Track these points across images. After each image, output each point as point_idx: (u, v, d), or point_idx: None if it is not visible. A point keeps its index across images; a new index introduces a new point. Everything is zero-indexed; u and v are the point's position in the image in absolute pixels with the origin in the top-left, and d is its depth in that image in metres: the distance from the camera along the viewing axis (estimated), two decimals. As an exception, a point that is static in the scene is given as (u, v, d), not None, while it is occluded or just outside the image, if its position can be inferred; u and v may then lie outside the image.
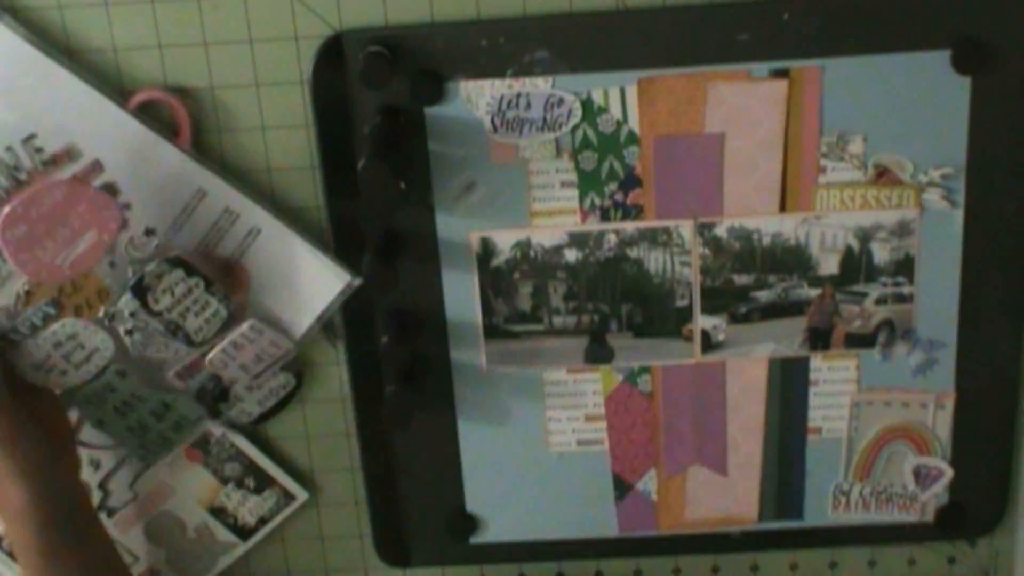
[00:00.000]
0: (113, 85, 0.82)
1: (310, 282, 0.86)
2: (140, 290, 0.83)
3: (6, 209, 0.79)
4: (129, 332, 0.84)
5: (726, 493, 0.94)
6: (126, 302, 0.83)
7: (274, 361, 0.88)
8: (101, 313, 0.84)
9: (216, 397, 0.89)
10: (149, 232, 0.83)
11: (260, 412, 0.90)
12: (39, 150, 0.80)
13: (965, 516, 0.94)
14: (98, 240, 0.81)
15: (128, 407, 0.89)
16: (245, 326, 0.86)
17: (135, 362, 0.87)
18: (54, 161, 0.81)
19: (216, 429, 0.91)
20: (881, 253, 0.87)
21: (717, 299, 0.88)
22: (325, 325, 0.88)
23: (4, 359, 0.84)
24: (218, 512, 0.95)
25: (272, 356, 0.88)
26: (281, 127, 0.85)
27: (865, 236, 0.86)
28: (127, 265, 0.83)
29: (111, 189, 0.82)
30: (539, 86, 0.83)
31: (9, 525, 0.83)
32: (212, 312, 0.84)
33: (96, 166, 0.81)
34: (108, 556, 0.86)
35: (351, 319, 0.88)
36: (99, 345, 0.85)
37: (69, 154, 0.81)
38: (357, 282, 0.86)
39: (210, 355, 0.86)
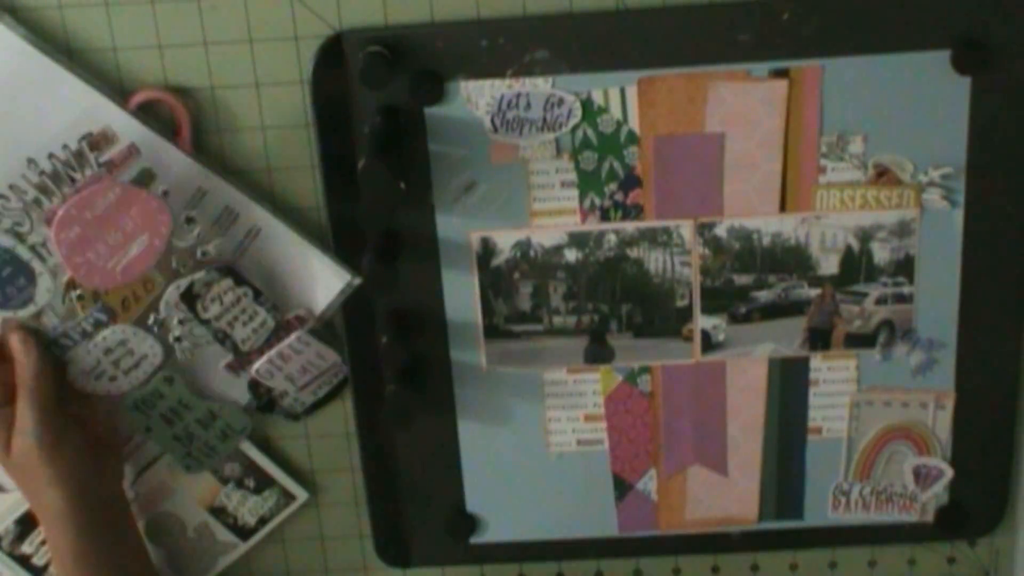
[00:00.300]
0: (113, 85, 0.82)
1: (310, 281, 0.86)
2: (190, 297, 0.83)
3: (60, 211, 0.79)
4: (178, 339, 0.85)
5: (726, 493, 0.94)
6: (175, 308, 0.84)
7: (320, 373, 0.88)
8: (151, 320, 0.84)
9: (267, 403, 0.89)
10: (190, 220, 0.83)
11: (314, 401, 0.91)
12: (96, 147, 0.80)
13: (965, 516, 0.94)
14: (149, 245, 0.81)
15: (175, 415, 0.89)
16: (292, 337, 0.86)
17: (183, 369, 0.87)
18: (93, 146, 0.81)
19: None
20: (881, 253, 0.87)
21: (717, 299, 0.88)
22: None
23: (56, 365, 0.84)
24: (218, 512, 0.95)
25: (319, 368, 0.88)
26: (281, 127, 0.85)
27: (865, 236, 0.86)
28: (171, 255, 0.83)
29: (148, 175, 0.81)
30: (539, 86, 0.83)
31: (46, 527, 0.85)
32: (260, 322, 0.85)
33: (132, 150, 0.81)
34: (141, 564, 0.88)
35: (351, 319, 0.88)
36: (148, 351, 0.85)
37: (106, 137, 0.81)
38: (357, 281, 0.86)
39: (256, 365, 0.87)
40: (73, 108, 0.80)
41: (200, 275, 0.83)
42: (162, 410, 0.88)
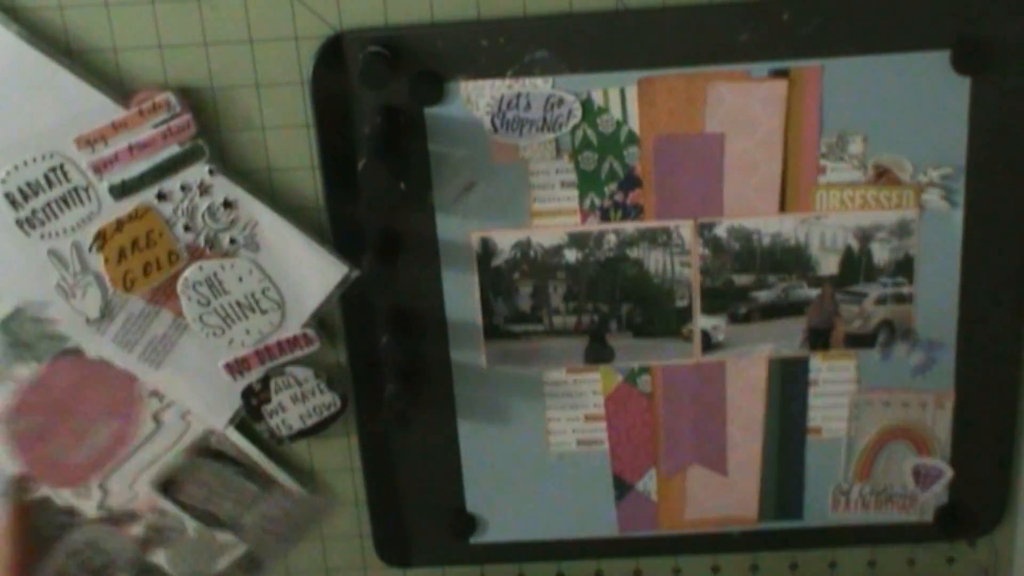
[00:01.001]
0: (113, 85, 0.82)
1: (308, 274, 0.86)
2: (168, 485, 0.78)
3: (12, 401, 0.72)
4: (156, 530, 0.81)
5: (726, 493, 0.94)
6: (149, 499, 0.78)
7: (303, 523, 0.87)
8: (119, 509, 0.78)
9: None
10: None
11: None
12: (38, 320, 0.76)
13: (965, 516, 0.94)
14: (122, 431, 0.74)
15: None
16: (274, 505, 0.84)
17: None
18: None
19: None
20: (881, 253, 0.87)
21: (717, 299, 0.88)
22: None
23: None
24: (218, 513, 0.95)
25: (301, 518, 0.87)
26: (281, 127, 0.85)
27: (865, 236, 0.86)
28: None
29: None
30: (539, 86, 0.83)
31: None
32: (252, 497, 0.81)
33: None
34: None
35: (350, 319, 0.88)
36: (119, 547, 0.80)
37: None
38: (355, 274, 0.86)
39: (248, 529, 0.85)
40: (73, 108, 0.80)
41: (178, 463, 0.79)
42: None
